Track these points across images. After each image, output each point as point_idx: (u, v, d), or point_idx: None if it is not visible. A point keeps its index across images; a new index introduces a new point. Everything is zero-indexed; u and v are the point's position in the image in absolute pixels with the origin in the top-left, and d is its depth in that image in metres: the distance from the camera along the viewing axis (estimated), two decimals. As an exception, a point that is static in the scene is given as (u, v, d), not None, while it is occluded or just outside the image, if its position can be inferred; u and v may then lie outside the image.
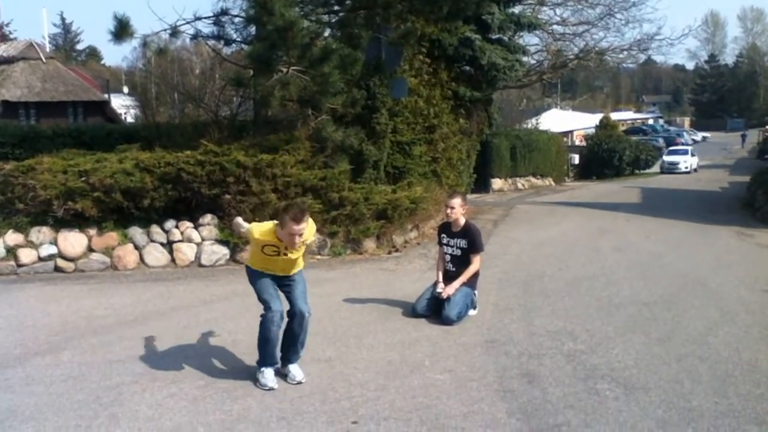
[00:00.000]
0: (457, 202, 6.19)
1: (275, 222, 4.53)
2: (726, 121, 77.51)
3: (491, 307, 6.43)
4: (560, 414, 4.01)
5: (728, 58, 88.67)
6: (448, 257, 6.26)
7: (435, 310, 6.03)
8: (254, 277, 4.69)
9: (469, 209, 6.57)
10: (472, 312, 6.14)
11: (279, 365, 4.64)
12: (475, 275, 6.21)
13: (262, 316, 4.54)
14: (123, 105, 27.58)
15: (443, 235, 6.32)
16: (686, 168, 33.77)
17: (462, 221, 6.21)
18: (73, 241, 8.37)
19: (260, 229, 4.55)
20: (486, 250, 9.67)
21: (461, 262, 6.16)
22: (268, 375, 4.52)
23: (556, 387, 4.41)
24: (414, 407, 4.12)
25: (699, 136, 61.16)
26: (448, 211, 6.21)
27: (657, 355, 5.03)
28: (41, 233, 8.35)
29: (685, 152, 36.07)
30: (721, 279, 7.77)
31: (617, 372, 4.68)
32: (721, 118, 78.72)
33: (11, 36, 36.39)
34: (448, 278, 6.15)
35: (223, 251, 8.68)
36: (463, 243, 6.16)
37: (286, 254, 4.52)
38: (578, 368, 4.77)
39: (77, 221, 8.44)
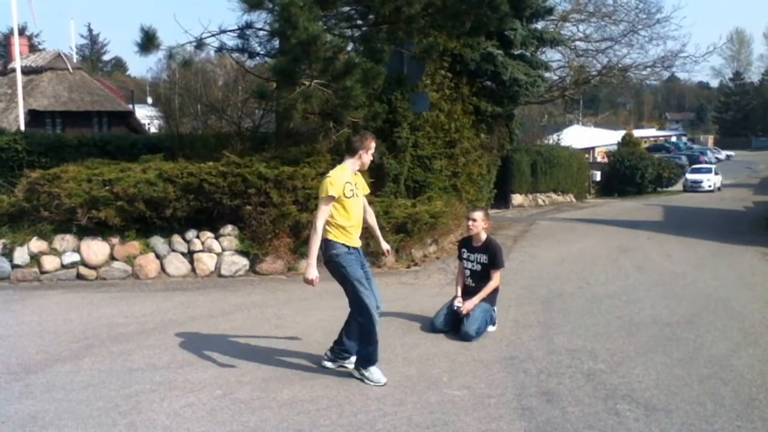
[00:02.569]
0: (479, 215, 6.16)
1: (342, 164, 4.90)
2: (751, 139, 76.65)
3: (510, 324, 6.38)
4: (579, 434, 3.96)
5: (754, 76, 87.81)
6: (468, 272, 6.24)
7: (454, 325, 6.00)
8: (348, 261, 4.83)
9: (490, 224, 6.54)
10: (491, 328, 6.10)
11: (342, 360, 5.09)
12: (495, 291, 6.18)
13: (361, 322, 4.84)
14: (147, 115, 27.95)
15: (464, 249, 6.30)
16: (710, 186, 33.44)
17: (483, 236, 6.19)
18: (96, 249, 8.46)
19: (337, 180, 4.75)
20: (506, 266, 9.63)
21: (481, 277, 6.14)
22: (378, 371, 4.83)
23: (576, 406, 4.36)
24: (431, 423, 4.09)
25: (723, 154, 60.53)
26: (470, 224, 6.17)
27: (679, 376, 4.96)
28: (65, 241, 8.45)
29: (709, 170, 35.75)
30: (745, 300, 7.66)
31: (638, 393, 4.62)
32: (746, 136, 77.88)
33: (40, 47, 37.09)
34: (468, 293, 6.13)
35: (243, 262, 8.72)
36: (483, 258, 6.14)
37: (358, 194, 4.91)
38: (598, 388, 4.71)
39: (100, 230, 8.54)
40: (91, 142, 11.58)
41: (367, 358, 4.84)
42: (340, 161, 5.02)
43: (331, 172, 4.85)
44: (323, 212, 4.71)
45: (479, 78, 15.23)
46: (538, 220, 17.31)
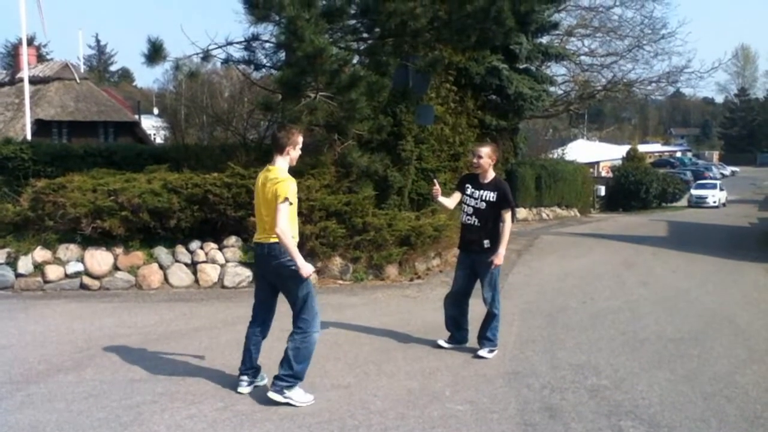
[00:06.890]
0: (485, 151, 5.76)
1: (277, 165, 4.70)
2: (756, 155, 76.54)
3: (514, 339, 6.36)
4: (582, 450, 3.93)
5: (759, 92, 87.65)
6: (470, 209, 5.79)
7: (469, 284, 5.88)
8: (306, 278, 4.60)
9: (497, 160, 6.08)
10: (489, 354, 5.78)
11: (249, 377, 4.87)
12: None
13: (311, 333, 4.67)
14: (153, 126, 28.11)
15: (467, 185, 5.84)
16: (714, 202, 33.34)
17: (491, 174, 5.80)
18: (100, 259, 8.47)
19: (294, 184, 4.62)
20: (509, 280, 9.59)
21: (485, 216, 5.73)
22: (302, 391, 4.64)
23: (579, 422, 4.33)
24: (433, 438, 4.07)
25: (728, 170, 60.35)
26: (475, 160, 5.77)
27: (683, 393, 4.93)
28: (69, 250, 8.46)
29: (714, 186, 35.65)
30: (749, 317, 7.62)
31: (641, 409, 4.59)
32: (751, 152, 77.75)
33: (48, 57, 37.33)
34: (472, 233, 5.78)
35: (246, 273, 8.71)
36: (491, 196, 5.70)
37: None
38: (602, 404, 4.68)
39: (104, 239, 8.55)
40: (96, 152, 11.61)
41: (297, 376, 4.58)
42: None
43: (284, 175, 4.62)
44: (287, 214, 4.51)
45: (484, 92, 15.29)
46: (543, 234, 17.27)
